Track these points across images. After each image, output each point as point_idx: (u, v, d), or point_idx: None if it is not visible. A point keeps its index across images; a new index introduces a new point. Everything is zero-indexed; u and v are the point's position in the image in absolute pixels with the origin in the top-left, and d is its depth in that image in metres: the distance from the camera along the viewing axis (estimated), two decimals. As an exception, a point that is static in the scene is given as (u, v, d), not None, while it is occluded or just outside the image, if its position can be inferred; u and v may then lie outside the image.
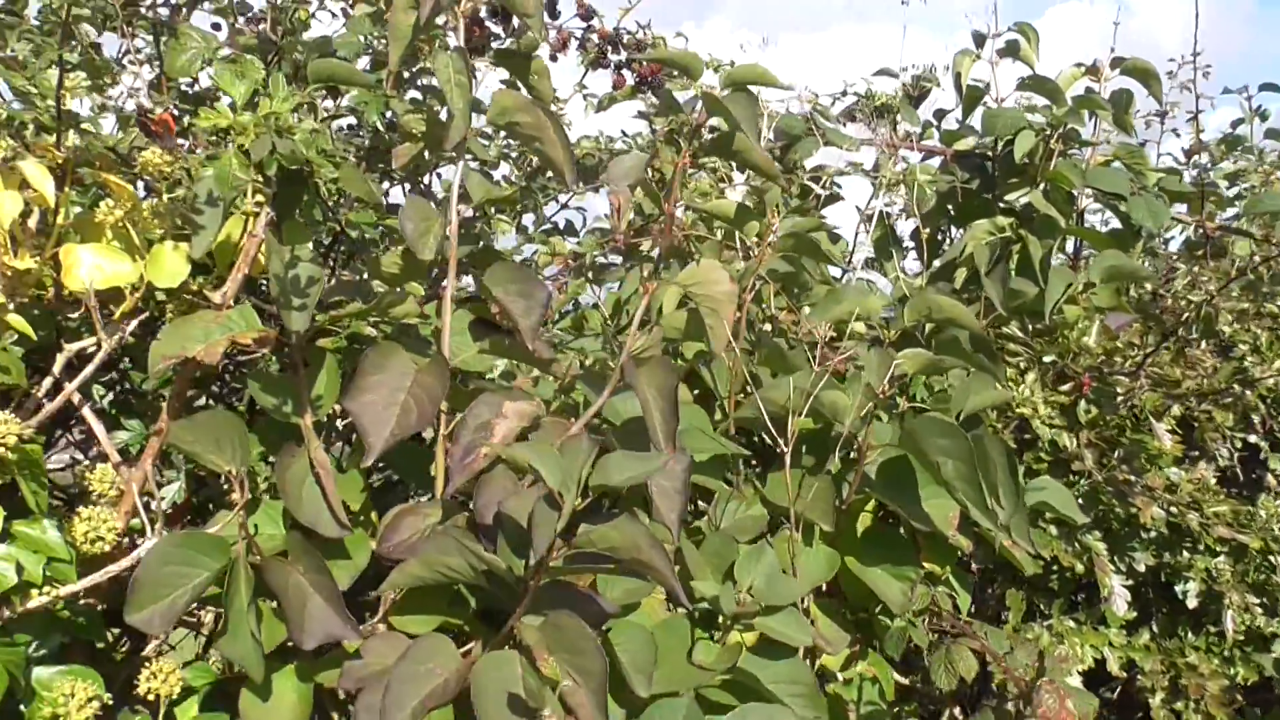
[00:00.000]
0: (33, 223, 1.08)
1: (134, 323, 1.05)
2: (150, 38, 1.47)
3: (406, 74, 1.45)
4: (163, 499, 1.22)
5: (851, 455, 1.40)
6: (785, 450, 1.30)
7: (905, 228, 2.11)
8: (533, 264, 1.76)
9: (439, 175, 1.51)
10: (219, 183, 0.78)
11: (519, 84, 1.22)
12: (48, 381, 1.14)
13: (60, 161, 1.07)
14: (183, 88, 1.52)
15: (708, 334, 1.19)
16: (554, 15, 1.67)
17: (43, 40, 1.08)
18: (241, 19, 1.62)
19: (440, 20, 1.21)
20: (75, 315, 1.20)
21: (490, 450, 1.05)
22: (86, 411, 1.16)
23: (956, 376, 1.60)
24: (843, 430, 1.33)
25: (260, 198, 1.15)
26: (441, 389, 1.09)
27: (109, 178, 1.09)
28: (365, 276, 1.26)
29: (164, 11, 1.46)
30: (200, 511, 1.35)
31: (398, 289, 1.23)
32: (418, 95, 1.37)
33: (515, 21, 1.36)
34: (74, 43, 1.21)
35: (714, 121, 1.23)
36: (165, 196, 1.15)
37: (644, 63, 1.69)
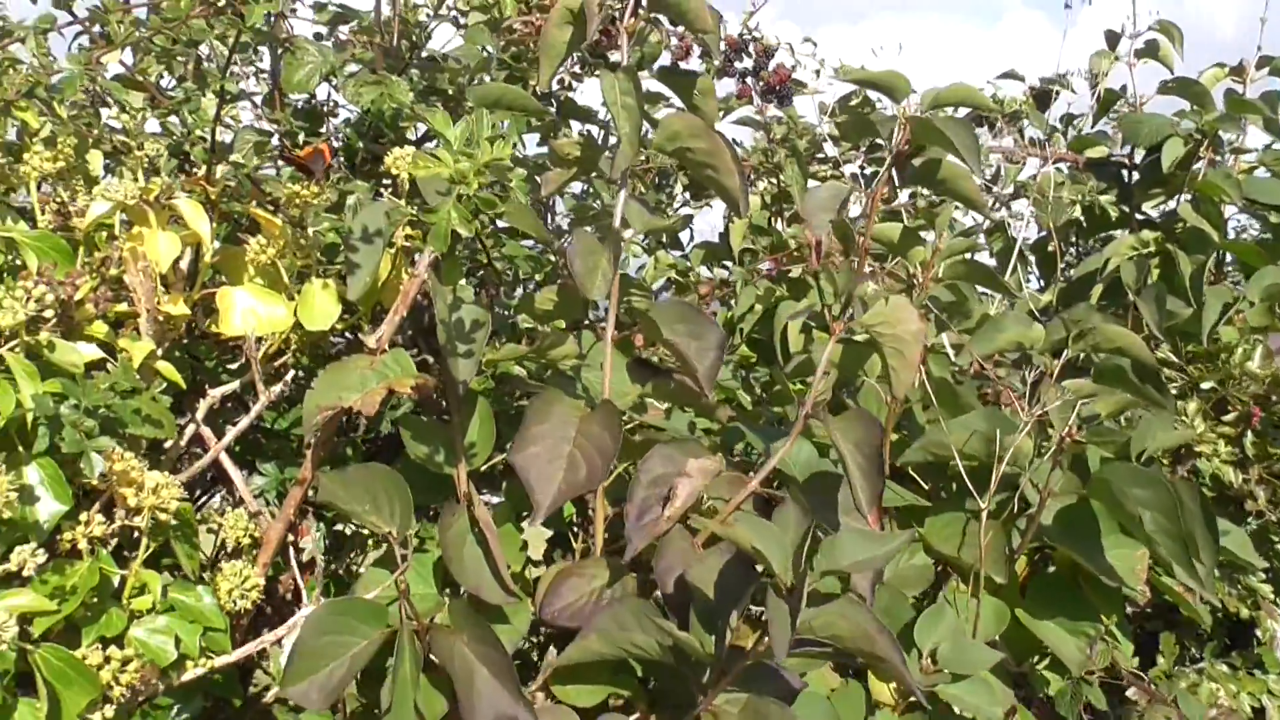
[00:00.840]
0: (183, 263, 1.01)
1: (291, 373, 0.97)
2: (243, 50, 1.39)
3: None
4: (302, 549, 1.15)
5: (1016, 498, 1.29)
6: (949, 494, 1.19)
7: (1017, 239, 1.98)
8: (642, 279, 1.67)
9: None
10: (438, 240, 0.70)
11: (683, 104, 1.12)
12: (189, 430, 1.07)
13: (212, 197, 1.00)
14: (297, 103, 1.45)
15: (890, 376, 1.09)
16: (675, 23, 1.57)
17: (191, 68, 1.00)
18: (344, 28, 1.55)
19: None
20: (215, 358, 1.13)
21: (673, 514, 0.95)
22: (224, 457, 1.08)
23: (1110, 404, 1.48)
24: (1012, 472, 1.23)
25: (413, 233, 1.07)
26: (612, 441, 1.00)
27: (259, 213, 1.02)
28: (514, 313, 1.17)
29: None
30: (334, 554, 1.29)
31: (546, 327, 1.14)
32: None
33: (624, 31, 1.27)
34: (210, 63, 1.13)
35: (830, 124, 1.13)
36: (311, 231, 1.07)
37: (772, 71, 1.58)
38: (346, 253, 1.00)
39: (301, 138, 1.38)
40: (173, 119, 1.02)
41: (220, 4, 0.78)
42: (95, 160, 1.12)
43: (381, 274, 1.06)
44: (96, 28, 0.93)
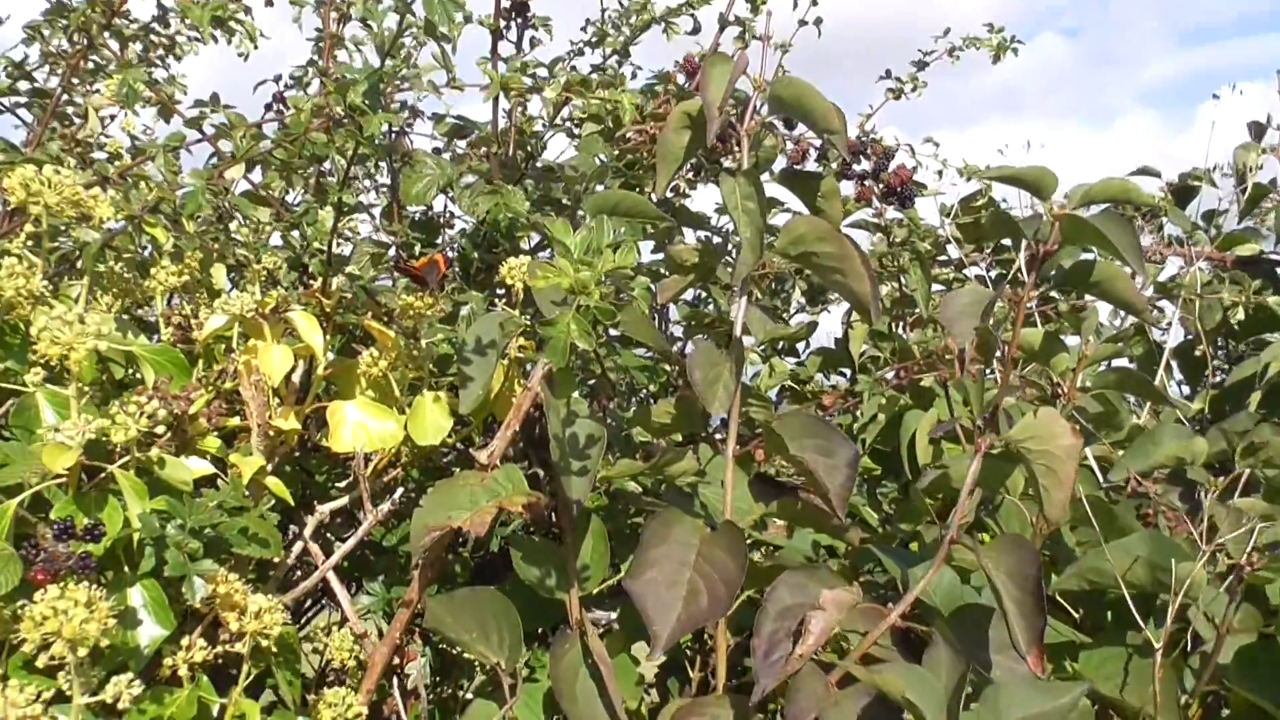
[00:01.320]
0: (296, 376, 0.99)
1: (400, 489, 0.93)
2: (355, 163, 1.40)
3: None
4: (407, 675, 1.09)
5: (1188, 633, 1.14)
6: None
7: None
8: (757, 387, 1.60)
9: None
10: (556, 354, 0.65)
11: (805, 207, 1.07)
12: (297, 547, 1.03)
13: (327, 309, 0.98)
14: (414, 215, 1.46)
15: (1042, 496, 0.98)
16: (791, 126, 1.54)
17: (313, 182, 1.00)
18: (461, 142, 1.57)
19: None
20: (325, 472, 1.11)
21: (806, 652, 0.86)
22: (331, 576, 1.04)
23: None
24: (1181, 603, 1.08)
25: (526, 344, 1.03)
26: (737, 568, 0.92)
27: (373, 325, 1.00)
28: (627, 427, 1.12)
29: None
30: (440, 678, 1.22)
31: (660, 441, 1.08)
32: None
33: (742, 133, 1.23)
34: (330, 175, 1.14)
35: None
36: (424, 343, 1.04)
37: (893, 173, 1.52)
38: (459, 365, 0.97)
39: (418, 249, 1.39)
40: (294, 233, 1.02)
41: (339, 117, 0.77)
42: (219, 274, 1.13)
43: (494, 386, 1.02)
44: (224, 144, 0.93)
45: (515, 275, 1.00)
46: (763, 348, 1.71)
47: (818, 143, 1.59)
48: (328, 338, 0.98)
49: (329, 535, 1.23)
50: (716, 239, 1.36)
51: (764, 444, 1.10)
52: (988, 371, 1.10)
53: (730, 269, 0.98)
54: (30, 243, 0.92)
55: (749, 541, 1.08)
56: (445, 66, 0.76)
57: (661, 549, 0.95)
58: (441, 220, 1.45)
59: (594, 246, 0.67)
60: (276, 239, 1.11)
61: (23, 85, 1.09)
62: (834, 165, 1.42)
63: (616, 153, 1.35)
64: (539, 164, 1.34)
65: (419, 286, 1.03)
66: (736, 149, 1.28)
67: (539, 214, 1.12)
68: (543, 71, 1.00)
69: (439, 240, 1.46)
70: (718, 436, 1.21)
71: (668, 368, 1.26)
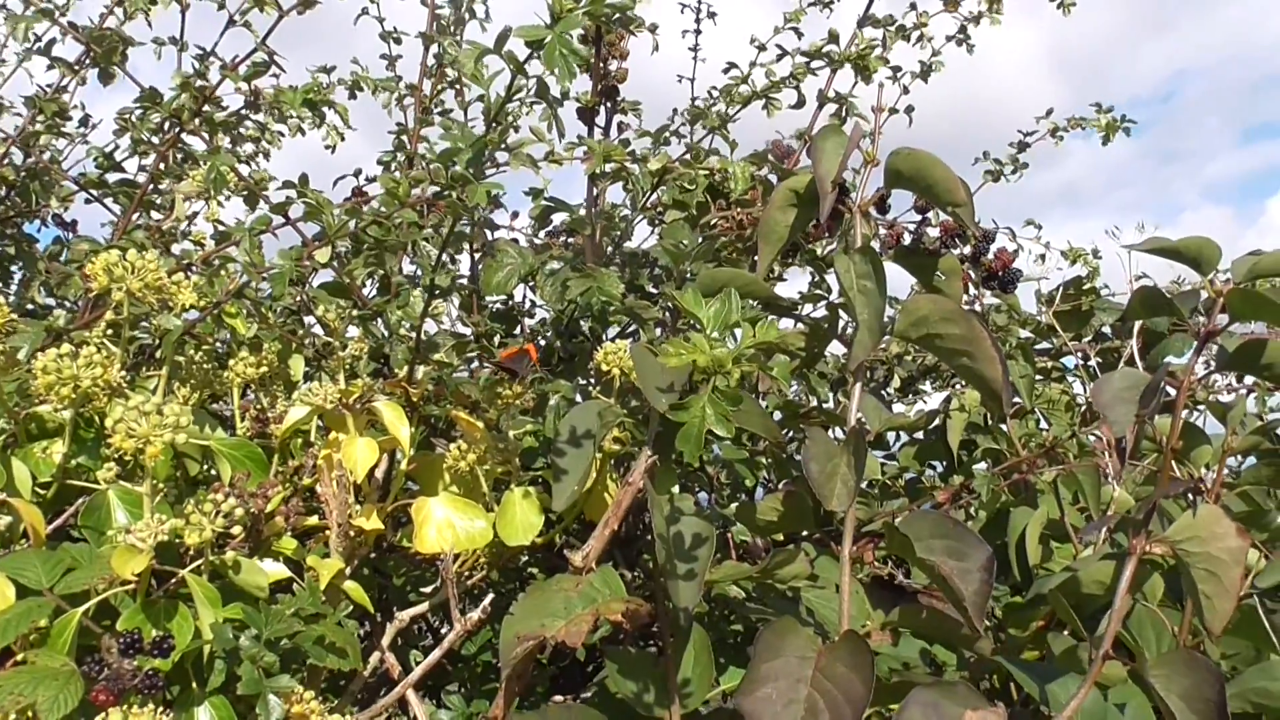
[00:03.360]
0: (378, 471, 0.91)
1: (490, 596, 0.83)
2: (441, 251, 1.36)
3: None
4: (488, 801, 0.97)
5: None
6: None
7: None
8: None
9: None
10: (690, 443, 0.56)
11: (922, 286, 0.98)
12: (374, 657, 0.94)
13: (413, 399, 0.91)
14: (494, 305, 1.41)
15: (1202, 605, 0.85)
16: (883, 210, 1.47)
17: (396, 268, 0.94)
18: (543, 231, 1.52)
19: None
20: (404, 575, 1.02)
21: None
22: (410, 693, 0.94)
23: None
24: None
25: (621, 435, 0.95)
26: (863, 685, 0.80)
27: (461, 415, 0.92)
28: (726, 525, 1.02)
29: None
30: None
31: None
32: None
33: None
34: (414, 261, 1.08)
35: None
36: (511, 434, 0.96)
37: (994, 257, 1.44)
38: (552, 458, 0.89)
39: (498, 339, 1.32)
40: (376, 323, 0.96)
41: (438, 190, 0.71)
42: (297, 366, 1.08)
43: (589, 480, 0.94)
44: (307, 226, 0.88)
45: (613, 361, 0.92)
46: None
47: (912, 225, 1.53)
48: (412, 430, 0.90)
49: (403, 644, 1.14)
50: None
51: (876, 544, 1.00)
52: (1121, 465, 0.99)
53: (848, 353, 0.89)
54: (109, 331, 0.87)
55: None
56: (552, 133, 0.70)
57: (776, 663, 0.84)
58: (521, 311, 1.40)
59: (726, 321, 0.59)
60: (353, 331, 1.06)
61: (112, 176, 1.05)
62: (967, 247, 1.37)
63: (700, 240, 1.29)
64: (625, 251, 1.29)
65: (507, 376, 0.96)
66: (828, 231, 1.21)
67: (633, 299, 1.05)
68: (644, 143, 0.94)
69: (518, 331, 1.41)
70: (832, 539, 1.12)
71: (765, 461, 1.17)
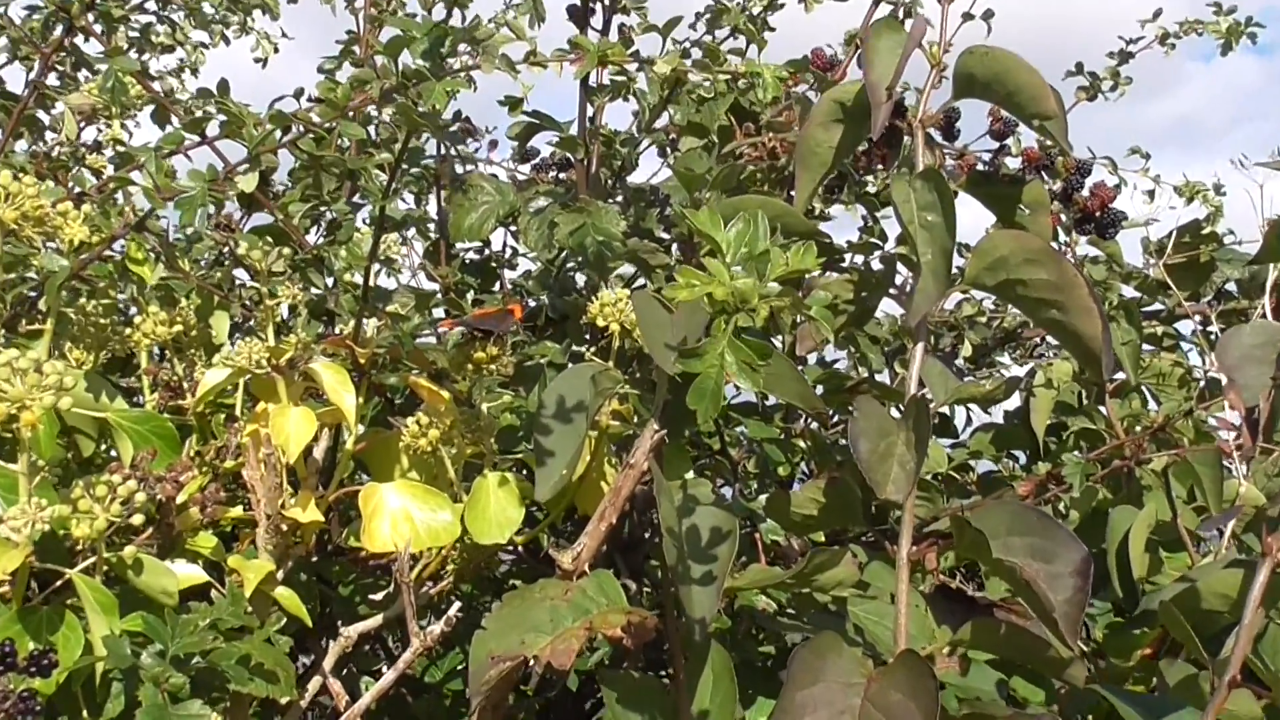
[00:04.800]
0: (318, 451, 0.89)
1: (455, 606, 0.81)
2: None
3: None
4: None
5: None
6: None
7: None
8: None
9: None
10: (705, 399, 0.53)
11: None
12: (313, 682, 0.92)
13: (361, 362, 0.89)
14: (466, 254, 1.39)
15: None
16: (951, 131, 1.44)
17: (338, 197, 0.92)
18: (526, 165, 1.50)
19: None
20: (351, 581, 1.01)
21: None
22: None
23: None
24: None
25: (623, 409, 0.93)
26: (924, 716, 0.78)
27: (422, 383, 0.90)
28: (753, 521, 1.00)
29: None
30: None
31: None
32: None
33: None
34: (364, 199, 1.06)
35: None
36: (485, 408, 0.94)
37: (1090, 194, 1.41)
38: (536, 436, 0.87)
39: (471, 296, 1.30)
40: (318, 272, 0.94)
41: (390, 87, 0.68)
42: (220, 325, 1.06)
43: (580, 465, 0.92)
44: (233, 154, 0.85)
45: (611, 314, 0.89)
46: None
47: (987, 155, 1.50)
48: (360, 400, 0.88)
49: (353, 667, 1.13)
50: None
51: (941, 545, 0.97)
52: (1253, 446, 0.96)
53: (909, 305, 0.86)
54: (-21, 276, 0.85)
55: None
56: (534, 29, 0.67)
57: (815, 689, 0.82)
58: (500, 261, 1.38)
59: (751, 248, 0.56)
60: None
61: (-14, 89, 1.03)
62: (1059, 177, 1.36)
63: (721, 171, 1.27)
64: (629, 185, 1.26)
65: (483, 338, 0.94)
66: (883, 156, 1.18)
67: (638, 240, 1.03)
68: (652, 40, 0.91)
69: (497, 287, 1.39)
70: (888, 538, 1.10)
71: (803, 444, 1.14)
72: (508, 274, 1.36)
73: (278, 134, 0.74)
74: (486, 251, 1.37)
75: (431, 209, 1.34)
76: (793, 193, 1.05)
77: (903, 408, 0.86)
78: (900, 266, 1.02)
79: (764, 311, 0.55)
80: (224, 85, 0.85)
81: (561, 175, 1.48)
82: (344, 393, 0.85)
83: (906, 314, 0.88)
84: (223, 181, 0.74)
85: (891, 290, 1.02)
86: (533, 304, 1.24)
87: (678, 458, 0.91)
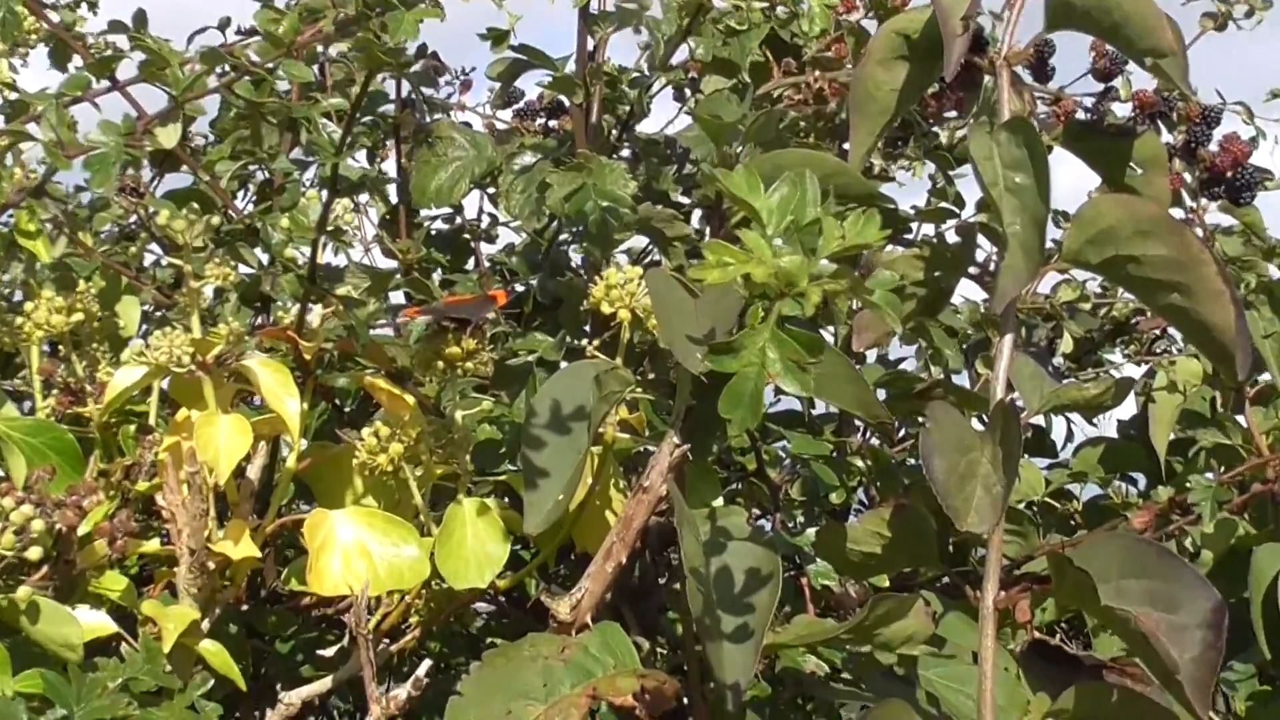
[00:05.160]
0: (253, 470, 0.92)
1: (426, 665, 0.85)
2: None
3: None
4: None
5: None
6: None
7: None
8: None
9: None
10: (741, 406, 0.54)
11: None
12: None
13: (306, 358, 0.92)
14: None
15: None
16: (1043, 71, 1.47)
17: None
18: (508, 112, 1.53)
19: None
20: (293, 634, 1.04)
21: None
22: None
23: None
24: None
25: (633, 419, 0.96)
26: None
27: (381, 385, 0.93)
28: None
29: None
30: None
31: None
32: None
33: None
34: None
35: None
36: (459, 417, 0.97)
37: (1220, 150, 1.43)
38: (523, 452, 0.89)
39: (438, 276, 1.33)
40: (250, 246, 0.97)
41: (347, 17, 0.70)
42: (129, 314, 1.09)
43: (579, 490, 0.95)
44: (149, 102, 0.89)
45: (619, 298, 0.92)
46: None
47: (1089, 100, 1.53)
48: (304, 406, 0.91)
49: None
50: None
51: (1037, 592, 1.00)
52: None
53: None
54: None
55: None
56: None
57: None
58: (476, 232, 1.41)
59: (799, 216, 0.58)
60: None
61: None
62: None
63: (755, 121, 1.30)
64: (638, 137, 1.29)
65: (455, 328, 0.96)
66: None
67: (649, 205, 1.05)
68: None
69: (471, 266, 1.42)
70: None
71: (862, 463, 1.17)
72: (485, 248, 1.39)
73: (209, 78, 0.77)
74: (458, 220, 1.40)
75: (389, 168, 1.37)
76: (845, 146, 1.08)
77: (987, 417, 0.89)
78: (982, 239, 1.05)
79: (815, 297, 0.57)
80: (141, 16, 0.88)
81: (552, 124, 1.51)
82: (286, 397, 0.87)
83: (990, 299, 0.91)
84: (140, 135, 0.77)
85: (971, 269, 1.04)
86: (519, 288, 1.26)
87: (704, 480, 0.94)
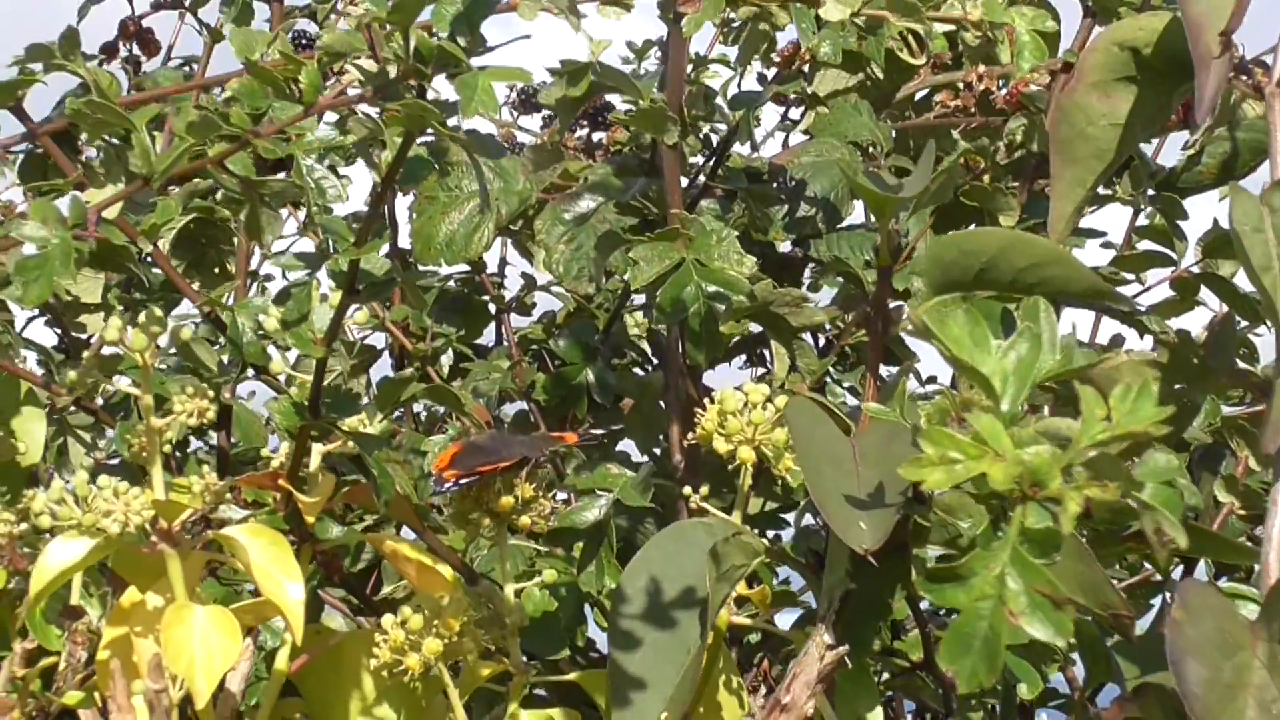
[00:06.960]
0: (237, 678, 0.94)
1: None
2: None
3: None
4: None
5: None
6: None
7: None
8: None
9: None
10: (978, 662, 0.56)
11: None
12: None
13: (307, 521, 0.94)
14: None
15: None
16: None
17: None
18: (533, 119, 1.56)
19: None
20: None
21: None
22: None
23: None
24: None
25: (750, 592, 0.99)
26: None
27: (407, 553, 0.95)
28: None
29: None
30: None
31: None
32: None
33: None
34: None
35: None
36: (509, 591, 1.00)
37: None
38: (612, 653, 0.92)
39: (446, 361, 1.35)
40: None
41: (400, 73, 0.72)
42: (30, 432, 1.11)
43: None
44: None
45: (739, 434, 0.94)
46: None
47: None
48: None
49: None
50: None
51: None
52: None
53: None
54: None
55: None
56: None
57: None
58: (501, 300, 1.43)
59: (1033, 381, 0.60)
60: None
61: None
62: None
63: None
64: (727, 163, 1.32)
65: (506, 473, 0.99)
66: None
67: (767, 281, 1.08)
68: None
69: (492, 329, 1.44)
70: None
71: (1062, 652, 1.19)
72: (513, 322, 1.40)
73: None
74: (476, 278, 1.42)
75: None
76: (1045, 187, 1.10)
77: (1261, 600, 0.90)
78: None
79: (1073, 506, 0.58)
80: (71, 37, 0.90)
81: (597, 137, 1.53)
82: (284, 579, 0.88)
83: (1262, 433, 0.92)
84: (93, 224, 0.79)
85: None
86: (570, 379, 1.27)
87: (859, 687, 0.95)
